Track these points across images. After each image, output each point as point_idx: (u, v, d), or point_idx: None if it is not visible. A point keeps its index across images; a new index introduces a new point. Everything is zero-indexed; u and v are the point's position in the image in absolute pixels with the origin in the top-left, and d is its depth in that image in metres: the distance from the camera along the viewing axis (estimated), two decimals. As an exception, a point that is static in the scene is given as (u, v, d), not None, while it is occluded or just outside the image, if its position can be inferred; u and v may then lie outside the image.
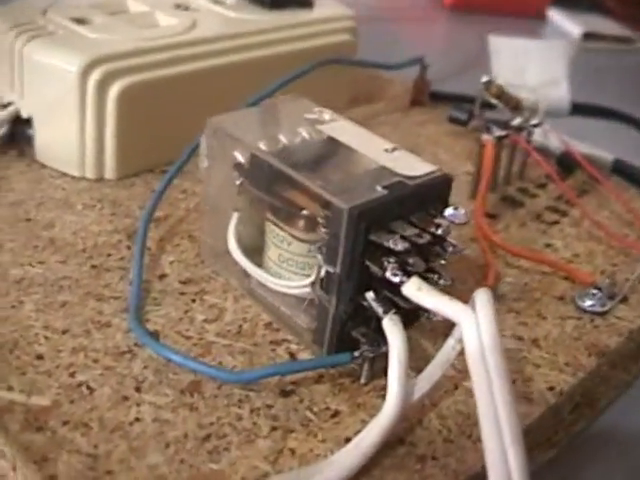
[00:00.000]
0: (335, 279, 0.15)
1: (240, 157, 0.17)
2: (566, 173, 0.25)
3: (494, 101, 0.25)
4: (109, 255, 0.19)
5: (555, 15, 0.53)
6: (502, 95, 0.25)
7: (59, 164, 0.22)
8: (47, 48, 0.21)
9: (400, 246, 0.14)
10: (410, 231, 0.15)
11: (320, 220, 0.15)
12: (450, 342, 0.15)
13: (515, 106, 0.25)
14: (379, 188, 0.15)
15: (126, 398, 0.15)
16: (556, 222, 0.23)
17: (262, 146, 0.17)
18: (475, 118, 0.25)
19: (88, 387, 0.15)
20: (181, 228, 0.20)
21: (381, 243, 0.14)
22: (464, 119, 0.26)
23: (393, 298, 0.15)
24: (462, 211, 0.15)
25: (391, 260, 0.15)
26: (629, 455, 0.20)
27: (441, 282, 0.16)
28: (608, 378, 0.19)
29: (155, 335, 0.16)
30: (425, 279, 0.16)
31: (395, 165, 0.16)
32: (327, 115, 0.18)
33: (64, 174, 0.22)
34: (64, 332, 0.16)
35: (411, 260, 0.15)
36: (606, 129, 0.33)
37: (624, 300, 0.20)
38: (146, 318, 0.17)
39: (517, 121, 0.24)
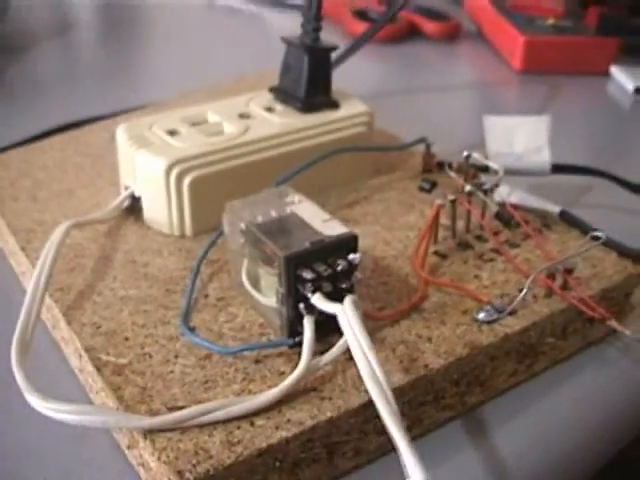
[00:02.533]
0: (283, 296, 0.28)
1: (243, 226, 0.30)
2: (506, 225, 0.36)
3: (452, 174, 0.36)
4: (177, 283, 0.33)
5: (616, 71, 0.63)
6: (461, 169, 0.37)
7: (157, 226, 0.36)
8: (147, 155, 0.35)
9: (309, 276, 0.27)
10: (322, 268, 0.27)
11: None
12: (342, 332, 0.27)
13: (472, 176, 0.37)
14: (307, 244, 0.28)
15: (168, 361, 0.28)
16: (492, 260, 0.34)
17: (260, 218, 0.30)
18: (438, 187, 0.37)
19: (150, 355, 0.28)
20: (226, 267, 0.34)
21: (300, 275, 0.27)
22: (427, 188, 0.37)
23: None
24: (357, 256, 0.28)
25: (308, 285, 0.27)
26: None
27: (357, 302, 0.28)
28: (494, 367, 0.30)
29: (192, 329, 0.30)
30: (341, 295, 0.28)
31: (323, 229, 0.28)
32: (297, 198, 0.30)
33: (160, 232, 0.36)
34: (142, 326, 0.30)
35: (324, 284, 0.27)
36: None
37: (513, 313, 0.31)
38: (190, 319, 0.30)
39: (468, 188, 0.35)
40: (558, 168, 0.41)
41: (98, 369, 0.28)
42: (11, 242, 0.37)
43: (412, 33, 0.71)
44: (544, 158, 0.41)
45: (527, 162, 0.41)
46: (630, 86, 0.60)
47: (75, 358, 0.31)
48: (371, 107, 0.41)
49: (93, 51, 0.72)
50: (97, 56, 0.70)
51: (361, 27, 0.67)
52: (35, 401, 0.26)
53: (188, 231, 0.36)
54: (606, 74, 0.64)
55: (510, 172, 0.40)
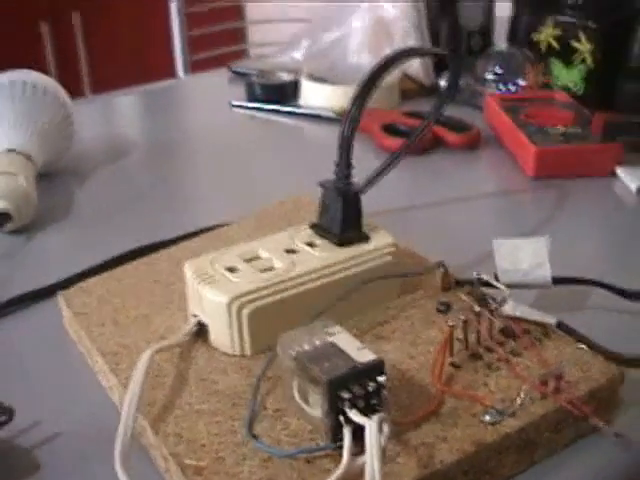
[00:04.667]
0: (326, 411, 0.37)
1: (293, 354, 0.39)
2: (510, 337, 0.45)
3: (464, 298, 0.46)
4: (241, 397, 0.42)
5: (621, 172, 0.72)
6: (472, 292, 0.46)
7: (222, 347, 0.46)
8: (211, 291, 0.45)
9: (347, 395, 0.36)
10: (356, 388, 0.36)
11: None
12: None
13: (480, 298, 0.46)
14: (344, 369, 0.37)
15: (238, 463, 0.37)
16: (498, 368, 0.43)
17: (306, 347, 0.39)
18: (452, 308, 0.46)
19: (223, 458, 0.38)
20: (280, 382, 0.43)
21: (340, 395, 0.36)
22: (444, 310, 0.47)
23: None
24: (384, 378, 0.37)
25: (346, 402, 0.36)
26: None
27: (381, 410, 0.37)
28: (499, 459, 0.39)
29: (256, 437, 0.39)
30: (373, 408, 0.37)
31: (356, 356, 0.38)
32: (336, 330, 0.40)
33: (224, 353, 0.46)
34: (216, 435, 0.39)
35: (358, 401, 0.36)
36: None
37: (513, 415, 0.40)
38: (254, 428, 0.40)
39: (477, 309, 0.45)
40: (558, 280, 0.50)
41: (183, 471, 0.37)
42: (100, 362, 0.47)
43: (436, 143, 0.81)
44: (546, 273, 0.50)
45: (531, 277, 0.50)
46: (633, 186, 0.69)
47: (161, 460, 0.40)
48: (398, 220, 0.50)
49: (146, 178, 0.83)
50: (150, 183, 0.81)
51: (390, 141, 0.78)
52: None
53: (247, 351, 0.45)
54: (613, 174, 0.73)
55: (517, 286, 0.49)
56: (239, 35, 2.36)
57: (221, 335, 0.45)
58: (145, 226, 0.68)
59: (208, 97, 1.10)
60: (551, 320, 0.46)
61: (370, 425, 0.35)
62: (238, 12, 2.50)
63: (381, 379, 0.37)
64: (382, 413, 0.36)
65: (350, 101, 0.49)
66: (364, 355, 0.38)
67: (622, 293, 0.51)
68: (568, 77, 0.89)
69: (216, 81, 1.14)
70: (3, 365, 0.50)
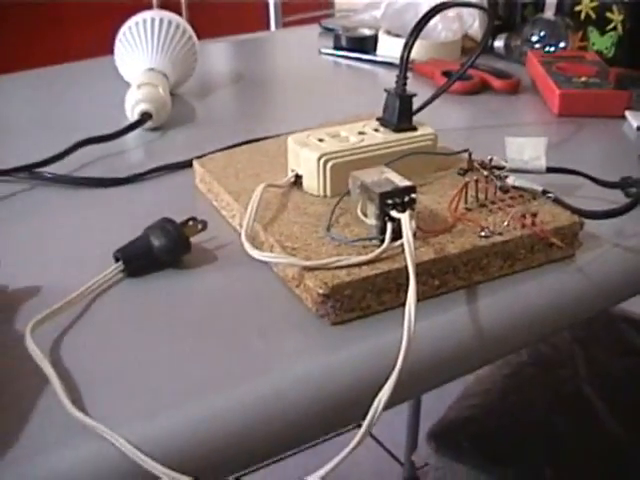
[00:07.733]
0: (377, 215, 0.60)
1: (359, 183, 0.62)
2: (505, 194, 0.67)
3: (477, 166, 0.68)
4: (323, 216, 0.65)
5: (628, 115, 0.93)
6: (484, 165, 0.69)
7: (311, 191, 0.69)
8: (307, 151, 0.68)
9: (390, 202, 0.59)
10: (397, 199, 0.60)
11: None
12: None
13: (490, 169, 0.68)
14: (389, 187, 0.60)
15: (319, 247, 0.61)
16: (496, 212, 0.66)
17: (368, 179, 0.62)
18: (472, 173, 0.69)
19: (310, 244, 0.61)
20: (348, 212, 0.66)
21: (387, 202, 0.59)
22: (462, 173, 0.69)
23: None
24: (414, 195, 0.60)
25: (390, 207, 0.59)
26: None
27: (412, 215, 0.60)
28: (488, 260, 0.62)
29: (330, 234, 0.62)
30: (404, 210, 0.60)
31: (399, 183, 0.61)
32: (387, 170, 0.63)
33: (312, 194, 0.69)
34: (305, 232, 0.63)
35: (398, 207, 0.60)
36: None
37: (500, 234, 0.62)
38: (330, 231, 0.63)
39: (485, 174, 0.67)
40: (551, 169, 0.73)
41: (283, 249, 0.61)
42: (226, 198, 0.70)
43: (484, 87, 1.03)
44: (542, 163, 0.72)
45: (531, 165, 0.72)
46: (635, 125, 0.91)
47: (268, 250, 0.63)
48: (450, 136, 0.73)
49: (249, 99, 1.07)
50: (252, 103, 1.06)
51: (444, 81, 1.00)
52: (254, 252, 0.59)
53: (329, 193, 0.68)
54: (623, 117, 0.94)
55: (520, 171, 0.72)
56: (327, 3, 2.62)
57: (311, 182, 0.69)
58: (251, 129, 0.92)
59: (300, 46, 1.34)
60: (538, 188, 0.69)
61: (404, 216, 0.58)
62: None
63: (413, 195, 0.60)
64: (411, 211, 0.59)
65: (407, 37, 0.72)
66: (404, 182, 0.61)
67: (597, 181, 0.73)
68: (602, 42, 1.10)
69: (307, 34, 1.38)
70: (147, 209, 0.74)
